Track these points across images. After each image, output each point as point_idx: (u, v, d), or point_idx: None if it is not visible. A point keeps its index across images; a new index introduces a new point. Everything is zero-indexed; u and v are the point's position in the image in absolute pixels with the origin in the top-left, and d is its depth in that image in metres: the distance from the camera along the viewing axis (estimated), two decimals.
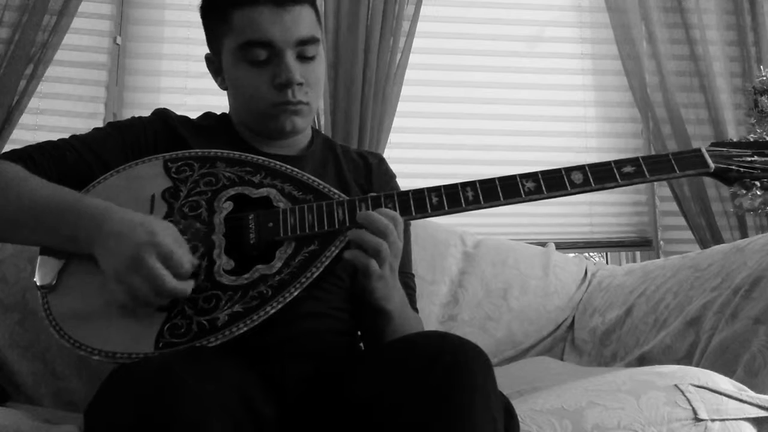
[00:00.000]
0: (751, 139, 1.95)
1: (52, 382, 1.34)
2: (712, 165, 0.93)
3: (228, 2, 1.00)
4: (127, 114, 2.13)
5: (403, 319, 0.94)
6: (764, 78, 2.04)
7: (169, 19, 2.25)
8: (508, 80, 2.36)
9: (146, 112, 1.10)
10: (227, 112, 1.15)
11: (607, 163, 0.92)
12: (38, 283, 0.86)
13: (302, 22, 1.00)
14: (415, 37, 2.18)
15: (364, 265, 0.84)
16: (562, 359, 1.60)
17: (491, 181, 0.91)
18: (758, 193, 0.95)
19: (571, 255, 2.04)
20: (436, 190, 0.90)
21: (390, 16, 2.14)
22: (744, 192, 0.96)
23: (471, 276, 1.70)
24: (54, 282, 0.86)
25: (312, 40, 1.01)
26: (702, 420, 0.93)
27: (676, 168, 0.92)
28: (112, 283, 0.81)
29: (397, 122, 2.15)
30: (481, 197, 0.90)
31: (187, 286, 0.82)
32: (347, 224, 0.88)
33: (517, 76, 2.36)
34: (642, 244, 2.37)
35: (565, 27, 2.44)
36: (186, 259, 0.82)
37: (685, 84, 2.33)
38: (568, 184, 0.91)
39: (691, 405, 0.94)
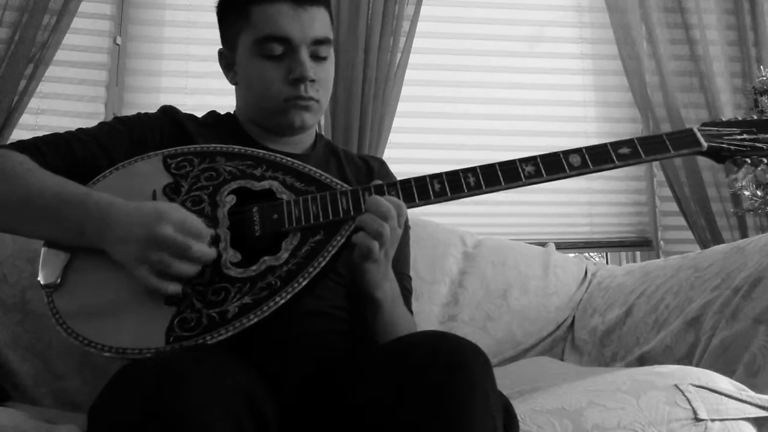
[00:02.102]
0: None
1: (52, 382, 1.34)
2: (705, 144, 0.96)
3: None
4: (126, 114, 2.13)
5: (393, 312, 0.95)
6: (764, 78, 2.04)
7: (169, 19, 2.25)
8: (508, 80, 2.36)
9: (146, 112, 1.10)
10: (231, 112, 1.15)
11: (603, 145, 0.94)
12: (42, 282, 0.85)
13: (318, 22, 1.03)
14: (415, 37, 2.18)
15: (366, 246, 0.85)
16: (562, 359, 1.60)
17: (492, 166, 0.93)
18: (746, 172, 0.99)
19: (571, 255, 2.04)
20: (438, 176, 0.92)
21: (390, 16, 2.14)
22: (736, 170, 1.01)
23: (471, 276, 1.70)
24: (58, 280, 0.85)
25: (326, 41, 1.04)
26: (702, 420, 0.93)
27: (670, 147, 0.95)
28: (135, 269, 0.81)
29: (397, 122, 2.15)
30: (482, 182, 0.92)
31: (212, 250, 0.83)
32: (352, 213, 0.88)
33: (517, 76, 2.37)
34: (642, 244, 2.37)
35: (565, 27, 2.44)
36: (201, 225, 0.83)
37: (685, 84, 2.34)
38: (566, 167, 0.92)
39: (691, 405, 0.94)
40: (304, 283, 0.83)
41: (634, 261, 2.41)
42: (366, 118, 2.08)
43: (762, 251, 1.20)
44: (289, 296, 0.82)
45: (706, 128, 0.98)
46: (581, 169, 0.93)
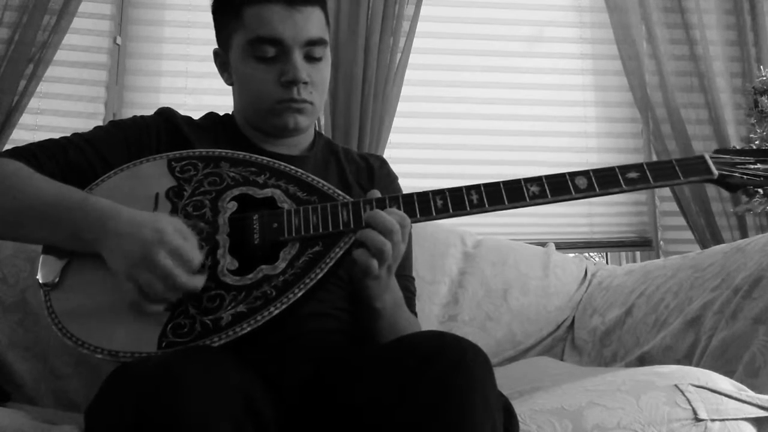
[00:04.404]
0: (752, 137, 1.97)
1: (52, 382, 1.34)
2: (716, 172, 0.94)
3: None
4: (126, 114, 2.13)
5: (394, 318, 0.94)
6: (764, 78, 2.04)
7: (169, 19, 2.25)
8: (507, 80, 2.36)
9: (146, 112, 1.10)
10: (230, 113, 1.15)
11: (611, 169, 0.92)
12: (41, 281, 0.86)
13: (312, 23, 1.01)
14: (415, 37, 2.18)
15: (365, 264, 0.84)
16: (562, 359, 1.60)
17: (496, 184, 0.91)
18: (758, 201, 0.96)
19: (571, 255, 2.04)
20: (440, 193, 0.90)
21: (390, 16, 2.14)
22: (747, 199, 0.98)
23: (471, 276, 1.70)
24: (57, 280, 0.85)
25: (320, 42, 1.03)
26: (702, 420, 0.93)
27: (680, 174, 0.93)
28: (122, 282, 0.80)
29: (397, 122, 2.15)
30: (485, 201, 0.90)
31: (199, 281, 0.82)
32: (352, 226, 0.88)
33: (517, 76, 2.36)
34: (642, 244, 2.37)
35: (565, 27, 2.44)
36: (195, 253, 0.82)
37: (685, 84, 2.34)
38: (572, 189, 0.91)
39: (691, 405, 0.94)
40: (299, 294, 0.83)
41: (634, 261, 2.40)
42: (366, 118, 2.08)
43: (762, 251, 1.20)
44: (284, 306, 0.82)
45: (718, 156, 0.96)
46: (587, 192, 0.91)
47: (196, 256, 0.82)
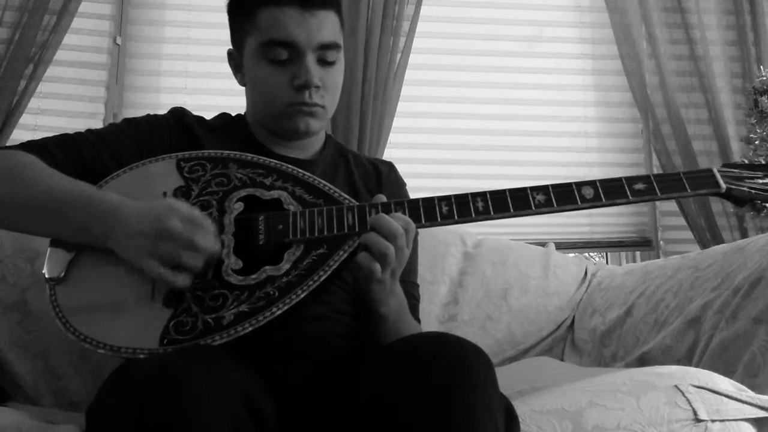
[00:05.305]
0: (752, 137, 1.97)
1: (52, 381, 1.34)
2: (724, 186, 0.93)
3: (255, 0, 1.02)
4: (127, 114, 2.13)
5: (399, 323, 0.94)
6: (764, 78, 2.04)
7: (169, 19, 2.24)
8: (507, 80, 2.36)
9: (146, 112, 1.11)
10: (242, 113, 1.16)
11: (618, 180, 0.92)
12: (47, 275, 0.86)
13: (326, 27, 1.02)
14: (415, 37, 2.18)
15: (368, 268, 0.84)
16: (562, 359, 1.60)
17: (502, 192, 0.91)
18: (765, 214, 0.95)
19: (571, 255, 2.04)
20: (446, 199, 0.91)
21: (390, 16, 2.14)
22: (755, 213, 0.97)
23: (471, 276, 1.70)
24: (62, 274, 0.86)
25: (334, 46, 1.03)
26: (702, 420, 0.93)
27: (687, 187, 0.92)
28: (144, 262, 0.81)
29: (397, 122, 2.15)
30: (491, 208, 0.90)
31: (217, 244, 0.84)
32: (357, 229, 0.88)
33: (517, 76, 2.37)
34: (642, 244, 2.37)
35: (565, 27, 2.44)
36: (206, 219, 0.84)
37: (685, 84, 2.34)
38: (578, 199, 0.91)
39: (691, 405, 0.94)
40: (302, 296, 0.83)
41: (634, 261, 2.41)
42: (366, 118, 2.08)
43: (762, 251, 1.20)
44: (286, 307, 0.82)
45: (726, 170, 0.96)
46: (593, 202, 0.91)
47: (209, 222, 0.84)
